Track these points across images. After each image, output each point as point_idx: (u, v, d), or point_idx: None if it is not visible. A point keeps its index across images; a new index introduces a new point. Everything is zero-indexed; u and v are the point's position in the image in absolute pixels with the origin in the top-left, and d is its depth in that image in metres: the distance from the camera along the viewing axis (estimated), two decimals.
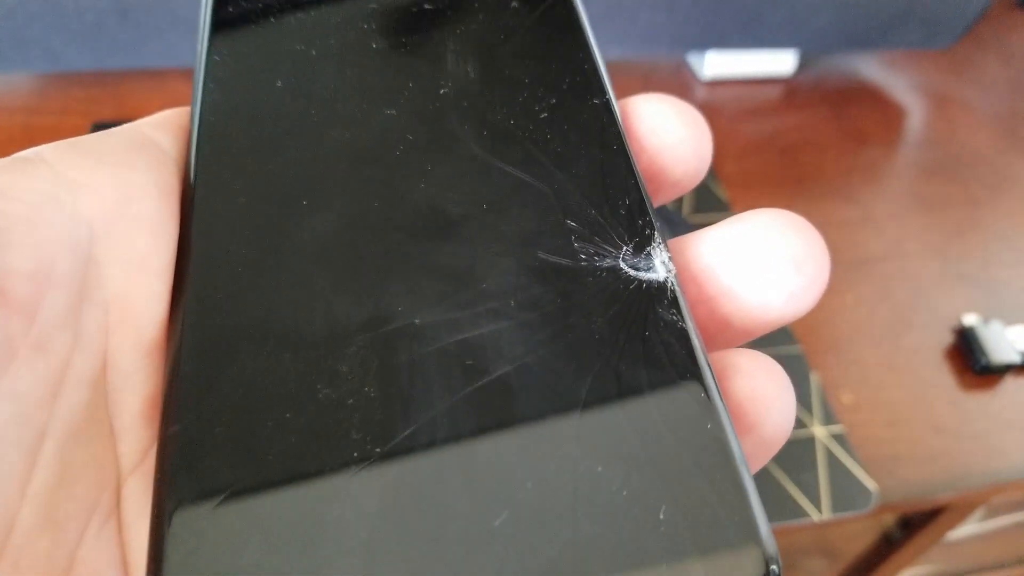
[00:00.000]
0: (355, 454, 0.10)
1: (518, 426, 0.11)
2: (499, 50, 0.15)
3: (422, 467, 0.10)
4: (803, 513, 0.32)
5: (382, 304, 0.12)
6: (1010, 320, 0.40)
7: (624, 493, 0.10)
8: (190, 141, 0.13)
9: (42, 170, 0.11)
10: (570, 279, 0.12)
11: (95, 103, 0.43)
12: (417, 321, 0.12)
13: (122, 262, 0.11)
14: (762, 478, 0.32)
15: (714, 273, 0.13)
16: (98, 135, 0.12)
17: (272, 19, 0.15)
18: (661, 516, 0.10)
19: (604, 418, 0.11)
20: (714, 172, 0.45)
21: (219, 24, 0.15)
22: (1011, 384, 0.38)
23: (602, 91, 0.14)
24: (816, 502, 0.32)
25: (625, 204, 0.13)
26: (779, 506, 0.32)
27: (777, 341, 0.37)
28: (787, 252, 0.12)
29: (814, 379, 0.36)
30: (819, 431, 0.34)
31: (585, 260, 0.12)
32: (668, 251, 0.12)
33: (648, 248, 0.12)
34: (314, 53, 0.15)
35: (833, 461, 0.33)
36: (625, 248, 0.13)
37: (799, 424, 0.35)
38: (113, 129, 0.13)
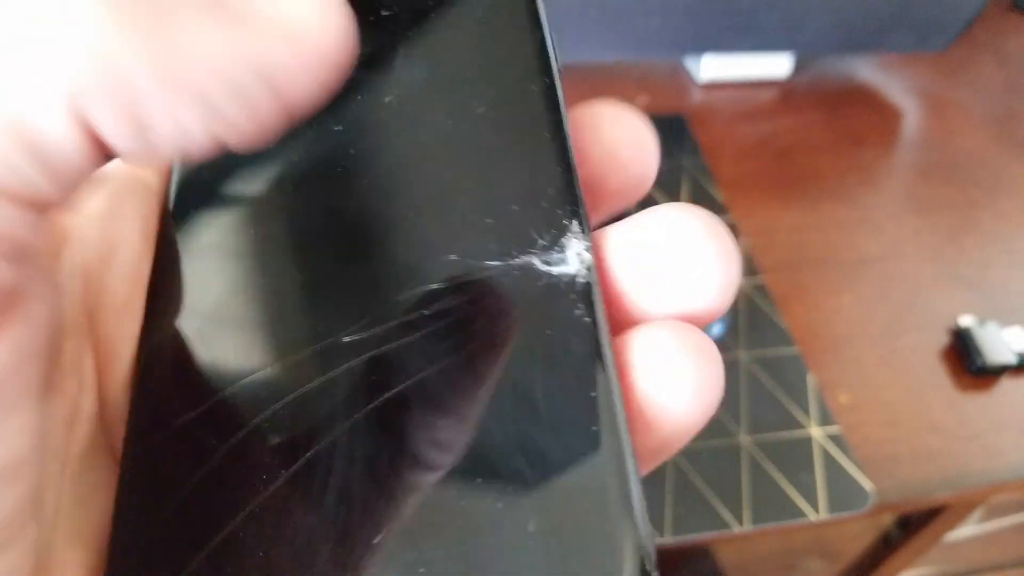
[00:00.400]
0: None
1: (410, 437, 0.11)
2: (445, 43, 0.14)
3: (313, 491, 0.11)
4: (800, 513, 0.32)
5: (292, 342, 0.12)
6: (1006, 321, 0.40)
7: (499, 505, 0.10)
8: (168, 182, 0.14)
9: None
10: (483, 280, 0.12)
11: None
12: (326, 339, 0.12)
13: (108, 308, 0.12)
14: (759, 478, 0.33)
15: (613, 275, 0.12)
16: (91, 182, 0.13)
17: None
18: (531, 529, 0.10)
19: (491, 426, 0.11)
20: (711, 174, 0.46)
21: None
22: (1007, 385, 0.38)
23: (544, 82, 0.14)
24: (813, 502, 0.32)
25: (548, 196, 0.12)
26: (776, 506, 0.32)
27: (774, 342, 0.38)
28: (691, 256, 0.12)
29: (811, 380, 0.36)
30: (816, 431, 0.35)
31: (500, 259, 0.12)
32: (588, 241, 0.12)
33: (562, 239, 0.12)
34: None
35: (830, 461, 0.34)
36: (540, 242, 0.12)
37: (796, 424, 0.35)
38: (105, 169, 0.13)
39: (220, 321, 0.12)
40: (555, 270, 0.12)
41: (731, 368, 0.36)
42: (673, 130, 0.48)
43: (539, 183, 0.13)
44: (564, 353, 0.11)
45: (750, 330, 0.38)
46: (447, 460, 0.11)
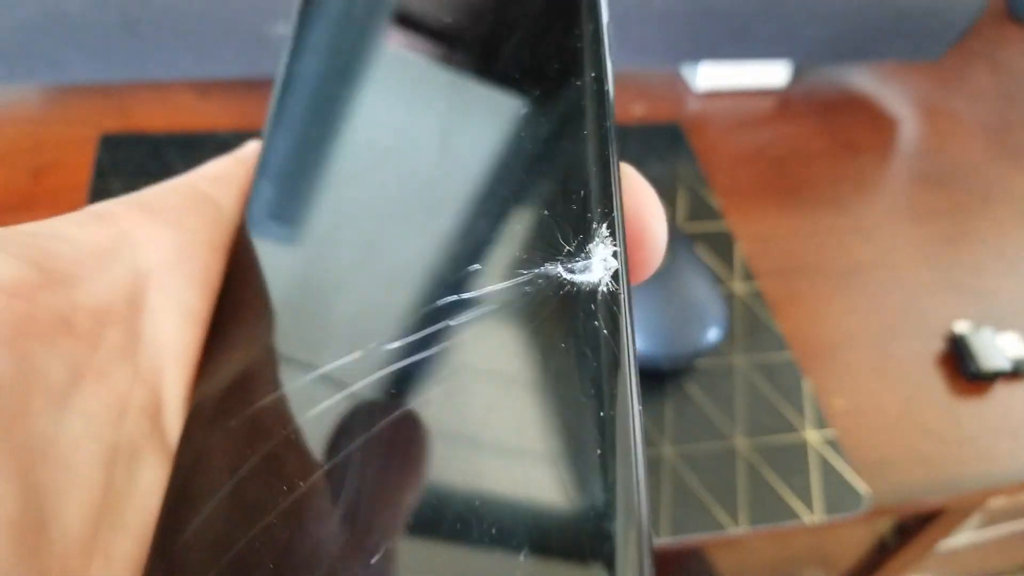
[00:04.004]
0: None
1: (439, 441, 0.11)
2: (504, 49, 0.14)
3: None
4: (795, 516, 0.32)
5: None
6: (1000, 327, 0.41)
7: (493, 531, 0.10)
8: (245, 203, 0.14)
9: (110, 226, 0.13)
10: (505, 293, 0.12)
11: (101, 115, 0.44)
12: (359, 353, 0.12)
13: (174, 312, 0.13)
14: (755, 482, 0.33)
15: None
16: (161, 191, 0.14)
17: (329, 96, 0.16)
18: (521, 559, 0.10)
19: (502, 436, 0.11)
20: (707, 181, 0.46)
21: (284, 95, 0.16)
22: (1001, 390, 0.38)
23: (592, 69, 0.13)
24: (809, 505, 0.32)
25: (580, 196, 0.12)
26: (772, 509, 0.32)
27: (770, 347, 0.38)
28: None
29: (806, 385, 0.37)
30: (812, 436, 0.35)
31: (525, 269, 0.12)
32: (615, 246, 0.12)
33: (589, 245, 0.12)
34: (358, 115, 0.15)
35: (825, 465, 0.34)
36: (567, 249, 0.12)
37: (792, 428, 0.35)
38: (174, 183, 0.14)
39: (281, 336, 0.13)
40: (578, 278, 0.11)
41: (727, 373, 0.37)
42: (670, 138, 0.48)
43: (573, 185, 0.12)
44: (579, 368, 0.11)
45: (746, 336, 0.38)
46: (472, 465, 0.11)
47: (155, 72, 0.42)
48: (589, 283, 0.11)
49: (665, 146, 0.48)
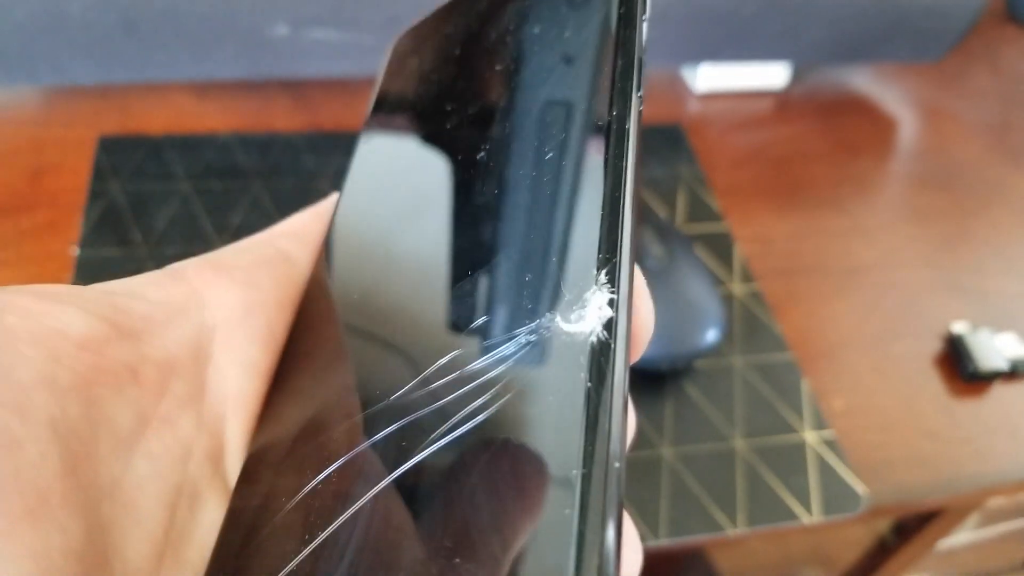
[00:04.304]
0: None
1: (419, 495, 0.11)
2: (531, 81, 0.14)
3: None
4: (794, 516, 0.32)
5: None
6: (999, 328, 0.41)
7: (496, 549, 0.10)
8: (319, 260, 0.15)
9: (182, 285, 0.14)
10: (499, 347, 0.11)
11: (101, 116, 0.44)
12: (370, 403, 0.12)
13: (237, 365, 0.14)
14: (754, 482, 0.33)
15: None
16: (237, 250, 0.15)
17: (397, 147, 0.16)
18: None
19: (481, 487, 0.10)
20: (707, 182, 0.46)
21: (361, 157, 0.16)
22: (999, 390, 0.39)
23: (614, 104, 0.13)
24: (807, 506, 0.33)
25: (587, 239, 0.12)
26: (771, 509, 0.32)
27: (769, 348, 0.38)
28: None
29: (805, 385, 0.37)
30: (810, 436, 0.35)
31: (525, 323, 0.11)
32: (616, 293, 0.11)
33: (585, 295, 0.11)
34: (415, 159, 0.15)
35: (824, 465, 0.34)
36: (567, 298, 0.11)
37: (791, 429, 0.35)
38: (254, 240, 0.15)
39: (336, 404, 0.13)
40: (572, 328, 0.11)
41: (726, 373, 0.37)
42: (670, 139, 0.48)
43: (582, 228, 0.12)
44: (556, 419, 0.10)
45: (745, 336, 0.38)
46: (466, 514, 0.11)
47: (154, 74, 0.42)
48: (581, 333, 0.11)
49: (665, 147, 0.48)
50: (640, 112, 0.13)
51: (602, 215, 0.12)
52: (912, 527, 0.49)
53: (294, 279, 0.15)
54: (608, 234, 0.11)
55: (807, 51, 0.50)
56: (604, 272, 0.11)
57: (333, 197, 0.17)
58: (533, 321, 0.11)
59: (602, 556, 0.09)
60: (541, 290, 0.11)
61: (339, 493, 0.12)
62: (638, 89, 0.13)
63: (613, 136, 0.12)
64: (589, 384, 0.10)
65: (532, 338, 0.11)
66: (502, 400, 0.11)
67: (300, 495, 0.12)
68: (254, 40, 0.41)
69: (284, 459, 0.13)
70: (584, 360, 0.10)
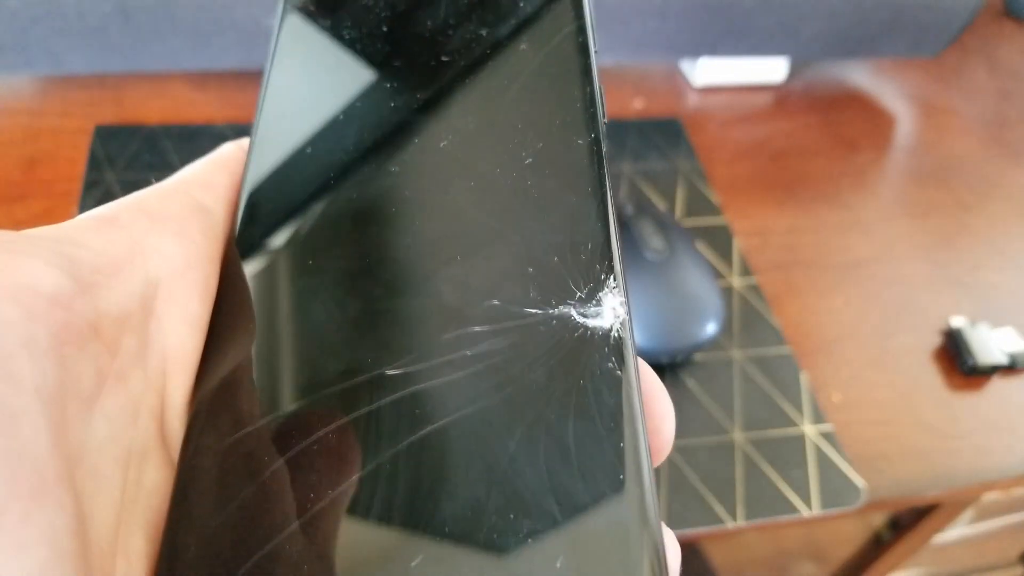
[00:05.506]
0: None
1: (445, 477, 0.11)
2: (500, 93, 0.15)
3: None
4: (793, 509, 0.32)
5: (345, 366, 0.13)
6: (997, 322, 0.41)
7: (529, 541, 0.11)
8: (235, 214, 0.15)
9: (120, 232, 0.13)
10: (523, 328, 0.12)
11: (96, 106, 0.44)
12: (373, 374, 0.12)
13: (179, 319, 0.13)
14: (753, 475, 0.33)
15: None
16: (160, 196, 0.14)
17: (314, 99, 0.16)
18: (558, 565, 0.11)
19: (525, 470, 0.11)
20: (706, 176, 0.46)
21: (272, 99, 0.16)
22: (998, 385, 0.39)
23: (591, 131, 0.14)
24: (806, 499, 0.33)
25: (588, 248, 0.13)
26: (769, 503, 0.32)
27: (768, 342, 0.38)
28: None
29: (804, 379, 0.37)
30: (809, 429, 0.35)
31: (540, 309, 0.13)
32: (623, 297, 0.13)
33: (600, 294, 0.13)
34: (340, 119, 0.15)
35: (822, 459, 0.34)
36: (579, 294, 0.13)
37: (789, 422, 0.35)
38: (169, 189, 0.15)
39: (274, 345, 0.13)
40: (591, 322, 0.12)
41: (725, 367, 0.37)
42: (669, 133, 0.48)
43: (580, 237, 0.13)
44: (596, 402, 0.12)
45: (744, 330, 0.38)
46: (479, 494, 0.11)
47: (150, 63, 0.42)
48: (601, 327, 0.12)
49: (664, 141, 0.48)
50: (606, 123, 0.15)
51: (599, 226, 0.13)
52: (907, 522, 0.49)
53: (216, 234, 0.15)
54: (612, 244, 0.13)
55: (806, 46, 0.49)
56: (612, 277, 0.13)
57: (231, 145, 0.16)
58: (542, 310, 0.13)
59: (651, 504, 0.11)
60: (547, 283, 0.13)
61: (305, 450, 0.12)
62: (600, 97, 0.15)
63: (592, 154, 0.14)
64: (619, 373, 0.12)
65: (546, 326, 0.12)
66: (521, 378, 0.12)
67: (242, 466, 0.12)
68: (251, 30, 0.40)
69: (224, 422, 0.12)
70: (609, 350, 0.12)
